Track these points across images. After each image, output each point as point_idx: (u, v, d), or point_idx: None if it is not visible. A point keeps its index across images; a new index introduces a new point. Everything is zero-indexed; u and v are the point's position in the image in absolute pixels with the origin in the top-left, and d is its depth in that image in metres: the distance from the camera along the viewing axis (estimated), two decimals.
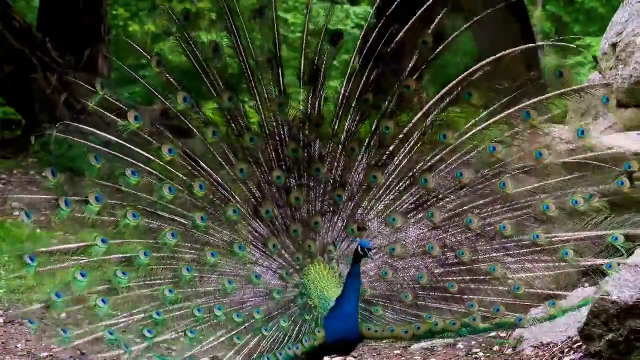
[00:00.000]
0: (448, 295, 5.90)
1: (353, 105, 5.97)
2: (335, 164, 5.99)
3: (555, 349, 7.10)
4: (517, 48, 5.88)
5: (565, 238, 5.87)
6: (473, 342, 7.84)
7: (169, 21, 5.99)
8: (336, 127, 5.99)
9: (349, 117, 5.98)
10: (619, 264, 5.83)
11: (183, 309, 5.83)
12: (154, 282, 5.85)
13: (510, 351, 7.46)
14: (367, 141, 5.98)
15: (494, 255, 5.90)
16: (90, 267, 5.78)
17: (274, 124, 5.96)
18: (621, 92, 9.58)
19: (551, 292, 5.89)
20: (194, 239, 5.91)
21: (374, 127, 5.99)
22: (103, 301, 5.74)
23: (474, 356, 7.61)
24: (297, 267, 5.95)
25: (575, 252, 5.83)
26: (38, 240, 11.02)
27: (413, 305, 5.92)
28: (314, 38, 5.95)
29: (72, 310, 5.85)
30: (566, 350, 6.99)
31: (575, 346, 6.94)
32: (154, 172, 5.86)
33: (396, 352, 7.76)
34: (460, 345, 7.80)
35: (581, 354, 6.72)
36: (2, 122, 18.33)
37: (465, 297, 5.90)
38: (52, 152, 14.09)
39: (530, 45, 5.96)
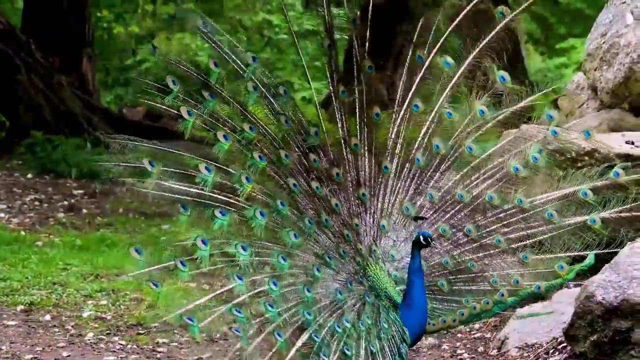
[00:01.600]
0: (472, 275, 5.99)
1: (338, 100, 6.00)
2: (347, 164, 6.01)
3: (539, 350, 7.11)
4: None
5: (543, 200, 5.99)
6: (458, 343, 7.85)
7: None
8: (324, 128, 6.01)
9: (338, 113, 6.00)
10: (601, 219, 5.94)
11: (327, 326, 5.77)
12: (295, 305, 5.80)
13: (494, 352, 7.47)
14: (359, 132, 5.99)
15: (493, 227, 5.99)
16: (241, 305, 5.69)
17: (286, 139, 5.97)
18: (605, 93, 9.62)
19: (556, 256, 5.98)
20: (297, 259, 5.90)
21: (358, 116, 6.01)
22: (278, 334, 5.66)
23: (458, 357, 7.61)
24: (362, 272, 5.97)
25: (557, 212, 5.95)
26: (23, 242, 11.00)
27: (450, 292, 6.01)
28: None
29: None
30: (551, 351, 7.00)
31: (560, 347, 6.94)
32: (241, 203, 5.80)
33: None
34: (445, 346, 7.81)
35: (566, 355, 6.73)
36: None
37: (486, 273, 5.99)
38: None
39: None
